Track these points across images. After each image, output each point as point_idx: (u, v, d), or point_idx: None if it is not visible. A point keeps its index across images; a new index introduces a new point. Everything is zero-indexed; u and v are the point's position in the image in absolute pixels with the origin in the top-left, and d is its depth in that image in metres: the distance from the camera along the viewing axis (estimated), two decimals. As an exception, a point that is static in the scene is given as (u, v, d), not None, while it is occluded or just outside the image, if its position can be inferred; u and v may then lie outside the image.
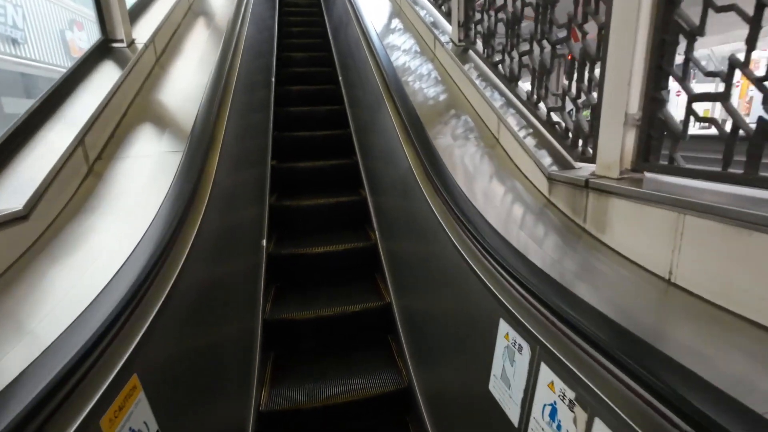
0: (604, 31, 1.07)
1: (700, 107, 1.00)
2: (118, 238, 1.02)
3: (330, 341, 2.25)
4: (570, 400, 0.74)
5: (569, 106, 1.33)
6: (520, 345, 0.92)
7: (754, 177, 0.77)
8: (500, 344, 1.02)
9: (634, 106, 1.00)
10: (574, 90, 1.28)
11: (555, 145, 1.43)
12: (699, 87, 1.08)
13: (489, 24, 1.92)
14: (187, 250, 1.18)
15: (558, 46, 1.42)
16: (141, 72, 1.78)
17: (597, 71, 1.13)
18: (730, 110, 0.82)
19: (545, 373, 0.82)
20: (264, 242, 2.47)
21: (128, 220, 1.09)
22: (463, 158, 1.58)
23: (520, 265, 0.95)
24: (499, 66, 1.83)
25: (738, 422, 0.47)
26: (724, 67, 0.83)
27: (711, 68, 0.89)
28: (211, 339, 1.46)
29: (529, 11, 1.61)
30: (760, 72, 0.77)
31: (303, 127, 3.51)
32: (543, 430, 0.82)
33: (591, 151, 1.23)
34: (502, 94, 1.77)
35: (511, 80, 1.74)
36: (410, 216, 1.92)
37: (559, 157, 1.37)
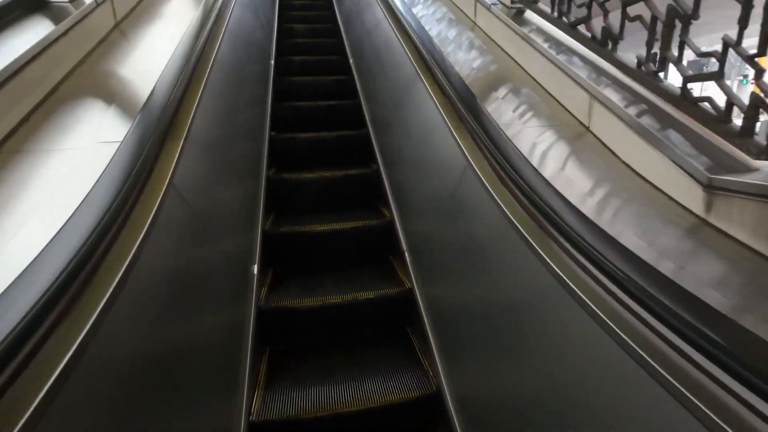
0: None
1: None
2: None
3: (338, 335, 1.86)
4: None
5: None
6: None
7: None
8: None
9: None
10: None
11: (702, 135, 0.89)
12: None
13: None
14: (142, 235, 0.82)
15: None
16: (88, 36, 1.30)
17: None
18: None
19: None
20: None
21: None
22: (538, 151, 1.06)
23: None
24: (581, 27, 1.35)
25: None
26: None
27: None
28: (188, 332, 1.08)
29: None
30: None
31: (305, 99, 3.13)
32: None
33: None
34: (586, 63, 1.22)
35: (604, 43, 1.22)
36: (448, 203, 1.53)
37: (716, 153, 0.84)
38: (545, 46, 1.34)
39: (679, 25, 0.95)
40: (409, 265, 1.93)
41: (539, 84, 1.37)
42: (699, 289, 0.59)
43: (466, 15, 1.92)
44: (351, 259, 2.16)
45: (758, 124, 0.84)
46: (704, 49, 0.90)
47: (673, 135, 0.89)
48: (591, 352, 0.77)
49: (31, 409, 0.50)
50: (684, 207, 0.82)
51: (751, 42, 0.73)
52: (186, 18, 1.60)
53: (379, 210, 2.40)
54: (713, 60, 0.87)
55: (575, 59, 1.25)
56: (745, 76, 10.20)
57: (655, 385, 0.60)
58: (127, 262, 0.76)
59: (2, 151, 0.85)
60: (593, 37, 1.27)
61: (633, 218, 0.81)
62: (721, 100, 0.89)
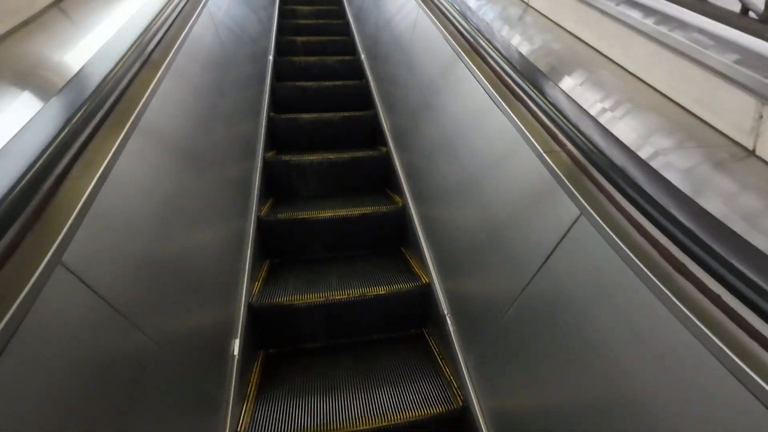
0: None
1: None
2: None
3: (342, 338, 1.59)
4: None
5: None
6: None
7: None
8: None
9: None
10: None
11: None
12: None
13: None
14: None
15: None
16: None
17: None
18: None
19: None
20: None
21: None
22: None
23: None
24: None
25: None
26: None
27: None
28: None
29: None
30: None
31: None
32: None
33: None
34: (733, 49, 0.67)
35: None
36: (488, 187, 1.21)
37: None
38: (651, 24, 0.81)
39: None
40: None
41: (646, 83, 0.83)
42: None
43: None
44: (359, 251, 1.89)
45: None
46: None
47: None
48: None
49: None
50: None
51: None
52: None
53: (388, 196, 2.13)
54: None
55: (710, 44, 0.70)
56: None
57: None
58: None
59: None
60: (745, 9, 0.74)
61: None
62: None
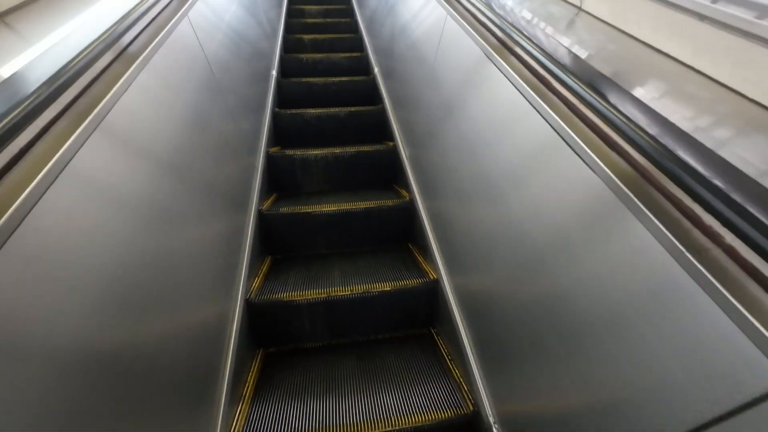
0: None
1: None
2: None
3: (345, 336, 1.51)
4: None
5: None
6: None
7: None
8: None
9: None
10: None
11: None
12: None
13: None
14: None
15: None
16: None
17: None
18: None
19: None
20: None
21: None
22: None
23: None
24: None
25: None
26: None
27: None
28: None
29: None
30: None
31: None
32: None
33: None
34: None
35: None
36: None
37: None
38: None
39: None
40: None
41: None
42: None
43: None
44: (364, 246, 1.81)
45: None
46: None
47: None
48: None
49: None
50: None
51: None
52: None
53: (395, 191, 2.05)
54: None
55: None
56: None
57: None
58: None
59: None
60: None
61: None
62: None
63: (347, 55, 3.04)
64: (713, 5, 0.70)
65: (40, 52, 0.71)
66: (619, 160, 0.66)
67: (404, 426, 1.14)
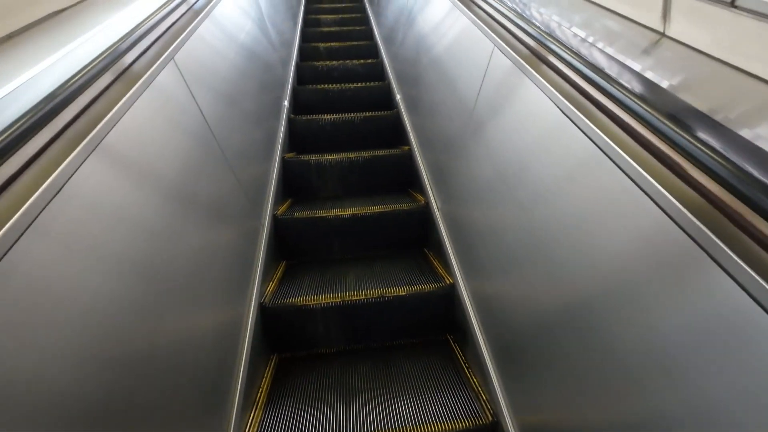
0: None
1: None
2: None
3: (360, 342, 1.48)
4: None
5: None
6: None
7: None
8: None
9: None
10: None
11: None
12: None
13: None
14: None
15: None
16: None
17: None
18: None
19: None
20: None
21: None
22: None
23: None
24: None
25: None
26: None
27: None
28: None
29: None
30: None
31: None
32: None
33: None
34: None
35: None
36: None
37: None
38: None
39: None
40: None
41: None
42: None
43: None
44: (379, 250, 1.79)
45: None
46: None
47: None
48: None
49: None
50: None
51: None
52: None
53: (411, 195, 2.02)
54: None
55: None
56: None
57: None
58: None
59: None
60: None
61: None
62: None
63: (362, 61, 3.06)
64: None
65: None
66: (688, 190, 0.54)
67: (420, 436, 1.10)
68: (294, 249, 1.79)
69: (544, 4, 1.14)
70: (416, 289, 1.45)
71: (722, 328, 0.48)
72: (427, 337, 1.50)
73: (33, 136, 0.58)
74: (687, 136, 0.56)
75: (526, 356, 0.98)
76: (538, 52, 0.98)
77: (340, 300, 1.41)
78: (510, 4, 1.21)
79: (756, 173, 0.47)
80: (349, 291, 1.46)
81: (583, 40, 0.89)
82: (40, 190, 0.55)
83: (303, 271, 1.65)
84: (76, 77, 0.70)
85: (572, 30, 0.95)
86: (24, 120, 0.57)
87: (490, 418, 1.12)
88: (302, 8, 3.99)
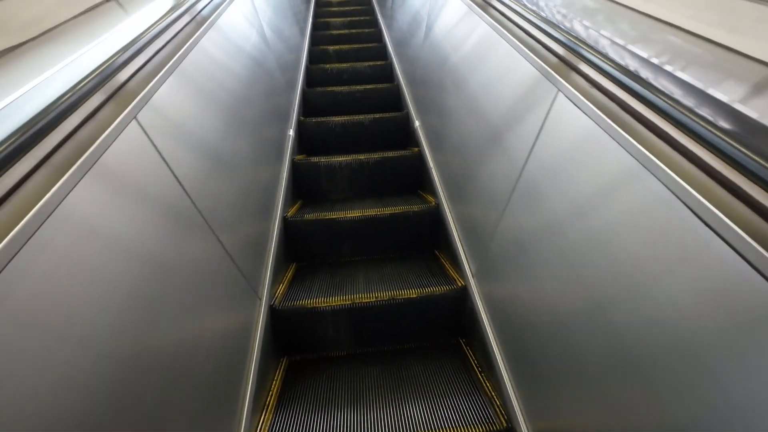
0: None
1: None
2: None
3: (370, 345, 1.46)
4: None
5: None
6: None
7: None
8: None
9: None
10: None
11: None
12: None
13: None
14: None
15: None
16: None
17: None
18: None
19: None
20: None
21: None
22: None
23: None
24: None
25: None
26: None
27: None
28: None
29: None
30: None
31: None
32: None
33: None
34: None
35: None
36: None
37: None
38: None
39: None
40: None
41: None
42: None
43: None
44: (390, 252, 1.77)
45: None
46: None
47: None
48: None
49: None
50: None
51: None
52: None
53: (421, 196, 2.01)
54: None
55: None
56: None
57: None
58: None
59: None
60: None
61: None
62: None
63: (371, 63, 3.05)
64: None
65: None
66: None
67: (433, 441, 1.08)
68: (304, 251, 1.79)
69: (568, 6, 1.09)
70: (427, 291, 1.43)
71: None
72: (439, 340, 1.47)
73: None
74: (743, 150, 0.52)
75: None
76: (567, 59, 0.95)
77: (350, 302, 1.40)
78: (531, 7, 1.18)
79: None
80: (359, 293, 1.44)
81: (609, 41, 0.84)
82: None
83: (313, 273, 1.65)
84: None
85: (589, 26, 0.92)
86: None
87: (504, 424, 1.10)
88: (311, 12, 4.02)
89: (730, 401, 0.48)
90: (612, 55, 0.80)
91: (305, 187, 2.10)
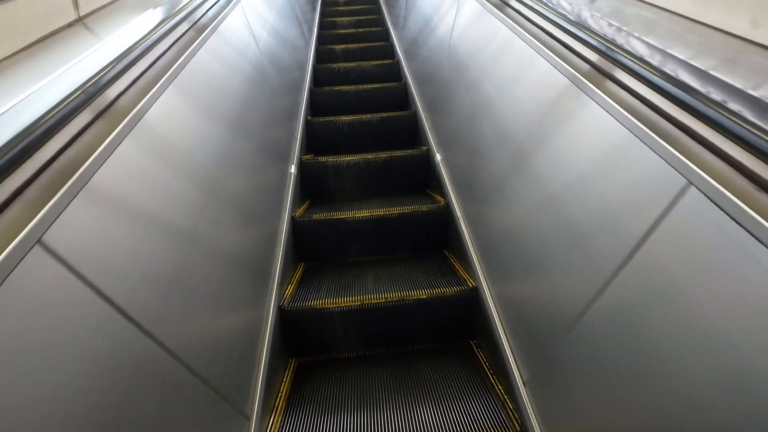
0: None
1: None
2: None
3: (380, 347, 1.45)
4: None
5: None
6: None
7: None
8: None
9: None
10: None
11: None
12: None
13: None
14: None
15: None
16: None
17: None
18: None
19: None
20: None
21: None
22: None
23: None
24: None
25: None
26: None
27: None
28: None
29: None
30: None
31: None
32: None
33: None
34: None
35: None
36: None
37: None
38: None
39: None
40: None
41: None
42: None
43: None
44: (398, 252, 1.75)
45: None
46: None
47: None
48: None
49: None
50: None
51: None
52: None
53: (429, 196, 1.98)
54: None
55: None
56: None
57: None
58: None
59: None
60: None
61: None
62: None
63: (378, 62, 3.04)
64: None
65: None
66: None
67: (444, 445, 1.05)
68: (312, 251, 1.77)
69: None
70: (437, 292, 1.41)
71: None
72: (449, 342, 1.45)
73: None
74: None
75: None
76: (599, 66, 0.90)
77: (359, 303, 1.38)
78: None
79: None
80: (368, 294, 1.42)
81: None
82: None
83: (321, 274, 1.63)
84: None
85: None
86: None
87: (518, 429, 1.07)
88: (318, 12, 4.01)
89: None
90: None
91: (313, 186, 2.09)
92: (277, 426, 1.15)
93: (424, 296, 1.39)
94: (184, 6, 1.19)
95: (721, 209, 0.53)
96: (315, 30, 3.58)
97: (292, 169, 1.93)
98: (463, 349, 1.42)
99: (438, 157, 2.02)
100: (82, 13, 0.91)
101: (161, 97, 0.90)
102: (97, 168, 0.63)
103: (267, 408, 1.15)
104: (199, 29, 1.27)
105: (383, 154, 2.07)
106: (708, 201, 0.55)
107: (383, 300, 1.38)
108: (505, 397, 1.18)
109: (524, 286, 1.12)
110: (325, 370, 1.37)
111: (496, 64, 1.41)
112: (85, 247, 0.58)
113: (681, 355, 0.58)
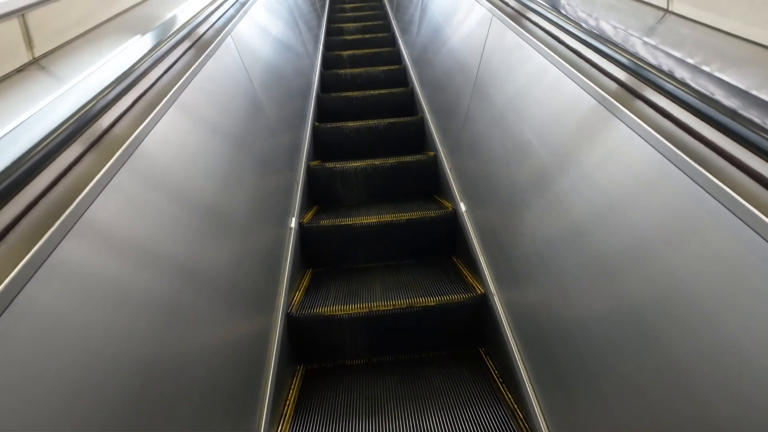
0: None
1: None
2: None
3: (388, 354, 1.44)
4: None
5: None
6: None
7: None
8: None
9: None
10: None
11: None
12: None
13: None
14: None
15: None
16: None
17: None
18: None
19: None
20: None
21: None
22: None
23: None
24: None
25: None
26: None
27: None
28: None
29: None
30: None
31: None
32: None
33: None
34: None
35: None
36: None
37: None
38: None
39: None
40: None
41: None
42: None
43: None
44: (406, 258, 1.75)
45: None
46: None
47: None
48: None
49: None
50: None
51: None
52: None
53: (437, 201, 1.98)
54: None
55: None
56: None
57: None
58: None
59: None
60: None
61: None
62: None
63: (385, 68, 3.05)
64: None
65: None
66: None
67: (454, 455, 1.04)
68: (320, 257, 1.77)
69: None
70: (446, 299, 1.40)
71: None
72: (458, 349, 1.44)
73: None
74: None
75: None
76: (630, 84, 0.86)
77: (367, 310, 1.38)
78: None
79: None
80: (376, 301, 1.42)
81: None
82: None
83: (329, 280, 1.63)
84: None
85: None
86: None
87: (528, 437, 1.06)
88: (325, 18, 4.05)
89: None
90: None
91: (321, 192, 2.10)
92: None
93: (433, 303, 1.38)
94: (169, 36, 1.03)
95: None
96: (322, 36, 3.61)
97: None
98: (471, 357, 1.40)
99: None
100: (37, 54, 0.81)
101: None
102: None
103: (275, 415, 1.15)
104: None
105: (391, 160, 2.08)
106: (753, 233, 0.49)
107: (391, 307, 1.38)
108: (516, 406, 1.17)
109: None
110: (333, 377, 1.36)
111: (511, 74, 1.40)
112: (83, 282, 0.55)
113: (703, 373, 0.57)
